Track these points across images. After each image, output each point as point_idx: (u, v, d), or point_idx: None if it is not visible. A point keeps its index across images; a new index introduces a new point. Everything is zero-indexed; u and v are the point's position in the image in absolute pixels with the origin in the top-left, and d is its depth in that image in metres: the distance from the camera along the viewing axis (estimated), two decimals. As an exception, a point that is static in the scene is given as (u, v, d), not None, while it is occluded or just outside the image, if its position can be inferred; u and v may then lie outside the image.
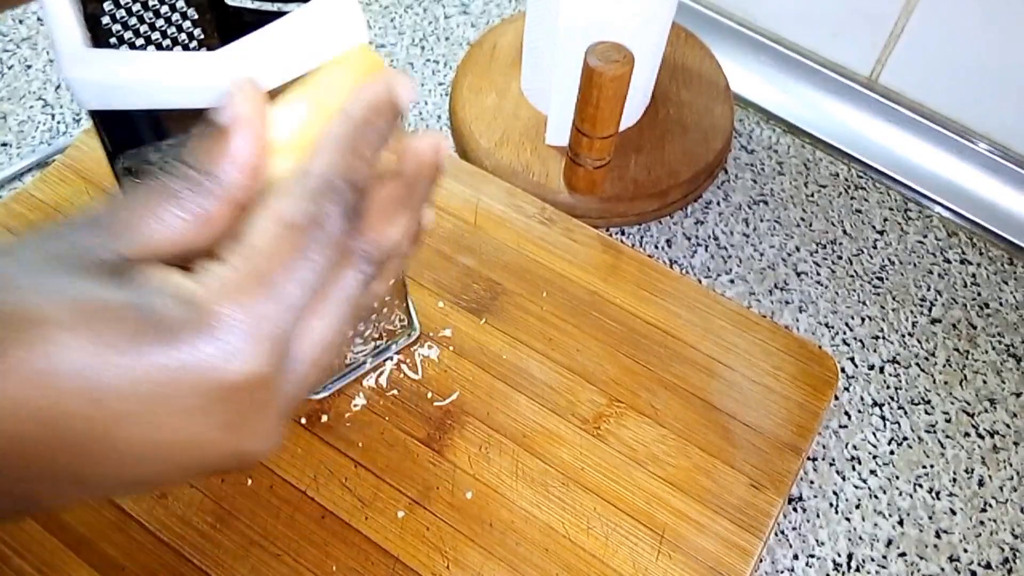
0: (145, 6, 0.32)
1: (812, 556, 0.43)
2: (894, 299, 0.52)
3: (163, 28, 0.33)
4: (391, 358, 0.44)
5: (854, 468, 0.46)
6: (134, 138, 0.28)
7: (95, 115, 0.28)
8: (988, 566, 0.43)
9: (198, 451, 0.20)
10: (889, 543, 0.43)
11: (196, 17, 0.34)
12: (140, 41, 0.33)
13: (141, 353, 0.18)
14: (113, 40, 0.32)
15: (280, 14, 0.27)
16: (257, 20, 0.33)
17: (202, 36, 0.35)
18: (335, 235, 0.21)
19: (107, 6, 0.31)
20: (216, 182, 0.21)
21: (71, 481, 0.20)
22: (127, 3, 0.32)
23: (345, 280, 0.22)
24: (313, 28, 0.26)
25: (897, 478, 0.45)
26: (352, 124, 0.22)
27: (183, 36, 0.34)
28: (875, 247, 0.54)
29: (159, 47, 0.34)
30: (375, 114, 0.22)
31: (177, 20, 0.34)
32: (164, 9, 0.33)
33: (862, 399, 0.48)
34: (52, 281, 0.19)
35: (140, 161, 0.29)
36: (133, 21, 0.32)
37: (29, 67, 0.59)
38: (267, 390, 0.20)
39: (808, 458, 0.45)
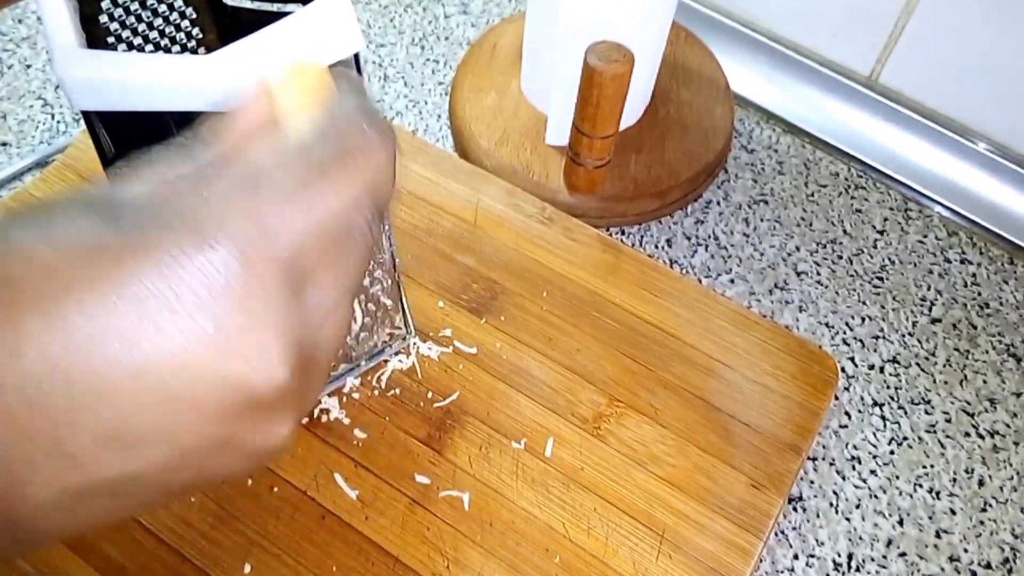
0: (143, 5, 0.32)
1: (812, 556, 0.43)
2: (894, 299, 0.52)
3: (161, 27, 0.33)
4: (391, 358, 0.44)
5: (854, 468, 0.46)
6: (127, 140, 0.28)
7: (88, 116, 0.28)
8: (988, 566, 0.43)
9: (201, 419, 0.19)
10: (889, 543, 0.43)
11: (195, 16, 0.34)
12: (138, 40, 0.33)
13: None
14: (111, 39, 0.32)
15: (278, 14, 0.27)
16: (255, 19, 0.33)
17: (200, 35, 0.34)
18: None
19: (104, 5, 0.31)
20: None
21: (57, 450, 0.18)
22: (125, 2, 0.32)
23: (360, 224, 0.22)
24: (307, 32, 0.26)
25: (897, 478, 0.45)
26: (349, 81, 0.23)
27: (181, 35, 0.34)
28: (875, 247, 0.54)
29: (157, 46, 0.33)
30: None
31: (175, 19, 0.33)
32: (162, 8, 0.33)
33: (862, 399, 0.48)
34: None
35: (133, 164, 0.29)
36: (131, 20, 0.32)
37: (29, 66, 0.59)
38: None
39: (808, 458, 0.45)
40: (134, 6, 0.32)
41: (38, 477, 0.18)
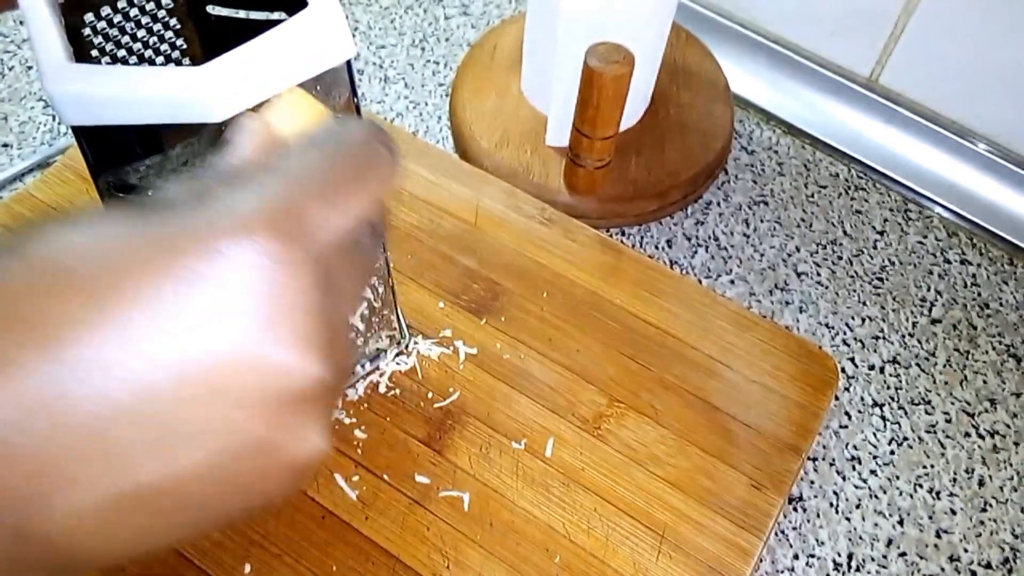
0: (126, 17, 0.32)
1: (812, 556, 0.43)
2: (894, 299, 0.52)
3: (144, 38, 0.33)
4: (391, 359, 0.44)
5: (854, 468, 0.46)
6: (117, 153, 0.28)
7: (78, 131, 0.27)
8: (988, 566, 0.43)
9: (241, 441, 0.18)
10: (889, 543, 0.43)
11: (178, 27, 0.34)
12: (122, 52, 0.33)
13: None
14: (95, 52, 0.32)
15: (262, 23, 0.26)
16: (238, 28, 0.33)
17: (184, 45, 0.34)
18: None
19: (88, 18, 0.31)
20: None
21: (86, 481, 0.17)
22: (108, 15, 0.32)
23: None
24: (298, 42, 0.26)
25: (897, 478, 0.45)
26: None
27: (165, 46, 0.34)
28: (875, 247, 0.54)
29: (141, 58, 0.33)
30: None
31: (159, 30, 0.33)
32: (145, 20, 0.33)
33: (862, 399, 0.48)
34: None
35: (123, 177, 0.29)
36: (114, 32, 0.32)
37: (30, 68, 0.60)
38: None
39: (808, 458, 0.45)
40: (117, 18, 0.32)
41: (74, 481, 0.17)
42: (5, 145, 0.55)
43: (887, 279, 0.53)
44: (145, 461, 0.17)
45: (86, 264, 0.17)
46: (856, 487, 0.45)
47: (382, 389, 0.43)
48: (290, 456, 0.19)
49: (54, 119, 0.57)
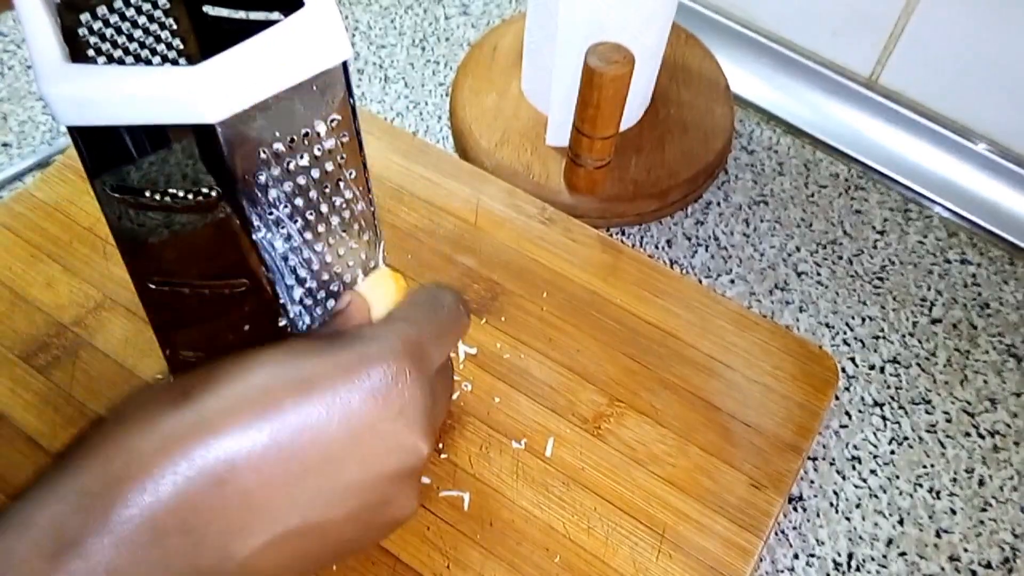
0: (123, 17, 0.32)
1: (812, 556, 0.43)
2: (894, 299, 0.52)
3: (141, 39, 0.33)
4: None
5: (854, 468, 0.46)
6: (114, 154, 0.28)
7: (74, 131, 0.27)
8: (988, 566, 0.43)
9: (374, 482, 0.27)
10: (889, 543, 0.43)
11: (175, 27, 0.34)
12: (119, 52, 0.32)
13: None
14: (91, 52, 0.31)
15: (259, 23, 0.26)
16: (237, 29, 0.33)
17: (182, 46, 0.34)
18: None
19: (84, 18, 0.31)
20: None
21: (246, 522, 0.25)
22: (104, 15, 0.31)
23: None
24: (293, 43, 0.26)
25: (897, 478, 0.45)
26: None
27: (162, 47, 0.34)
28: (875, 247, 0.54)
29: (138, 58, 0.33)
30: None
31: (156, 30, 0.33)
32: (143, 20, 0.33)
33: (862, 399, 0.48)
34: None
35: (120, 177, 0.28)
36: (111, 32, 0.32)
37: (30, 67, 0.60)
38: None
39: (808, 458, 0.45)
40: (114, 18, 0.32)
41: (264, 520, 0.25)
42: (5, 145, 0.55)
43: (887, 279, 0.53)
44: (315, 506, 0.26)
45: (286, 388, 0.26)
46: (856, 487, 0.45)
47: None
48: (396, 510, 0.29)
49: (53, 118, 0.57)
